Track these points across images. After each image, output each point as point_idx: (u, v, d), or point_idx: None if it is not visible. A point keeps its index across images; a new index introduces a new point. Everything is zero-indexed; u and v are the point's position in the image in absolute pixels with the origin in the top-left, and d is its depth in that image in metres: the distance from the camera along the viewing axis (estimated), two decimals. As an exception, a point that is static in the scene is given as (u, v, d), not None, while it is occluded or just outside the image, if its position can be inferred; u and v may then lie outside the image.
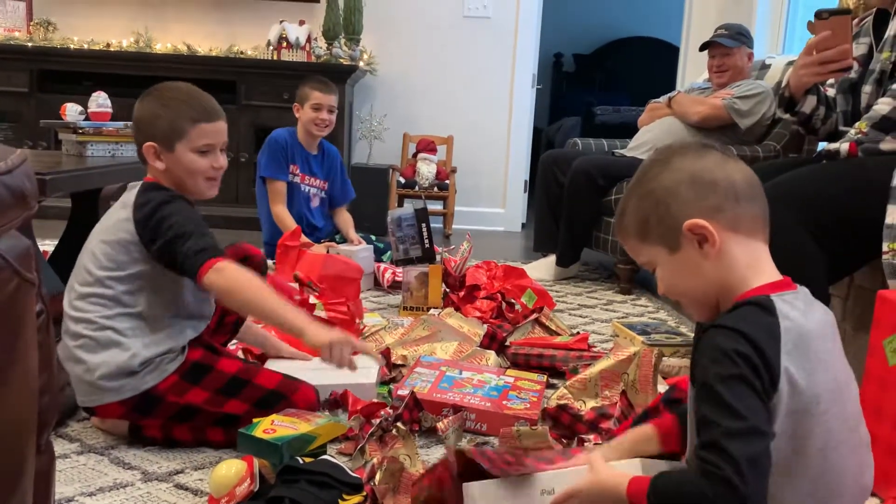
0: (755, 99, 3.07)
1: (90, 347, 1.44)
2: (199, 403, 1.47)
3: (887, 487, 1.38)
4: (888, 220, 1.58)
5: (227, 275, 1.40)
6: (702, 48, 3.29)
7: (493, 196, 4.80)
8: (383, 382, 1.80)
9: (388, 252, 3.07)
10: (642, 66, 7.70)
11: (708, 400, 0.86)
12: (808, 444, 0.88)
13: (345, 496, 1.13)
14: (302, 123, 3.13)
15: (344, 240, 3.15)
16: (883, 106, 1.69)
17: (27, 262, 0.77)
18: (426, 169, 4.36)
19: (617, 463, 0.99)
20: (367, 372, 1.75)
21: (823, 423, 0.89)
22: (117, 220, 1.49)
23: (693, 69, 4.48)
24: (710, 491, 0.82)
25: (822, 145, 2.30)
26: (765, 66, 3.35)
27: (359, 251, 2.91)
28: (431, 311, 2.42)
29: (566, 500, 0.97)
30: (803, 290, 0.97)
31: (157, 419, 1.48)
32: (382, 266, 2.96)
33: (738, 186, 0.95)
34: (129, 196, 1.52)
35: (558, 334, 2.22)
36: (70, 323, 1.47)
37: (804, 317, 0.93)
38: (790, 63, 3.17)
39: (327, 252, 2.71)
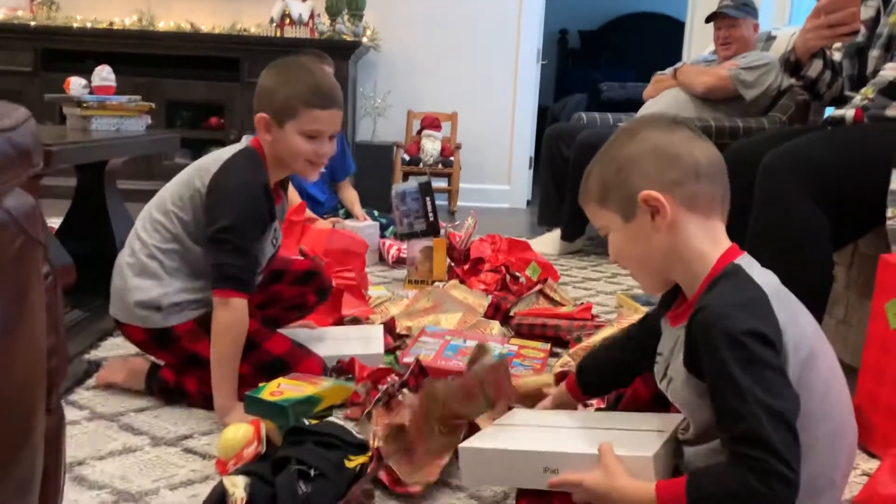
0: (761, 70, 3.05)
1: (135, 269, 1.52)
2: (206, 356, 1.50)
3: (887, 447, 1.39)
4: (892, 185, 1.58)
5: (226, 316, 1.44)
6: (708, 20, 3.26)
7: (498, 173, 4.79)
8: (388, 351, 1.82)
9: (392, 227, 3.08)
10: (648, 42, 7.63)
11: (730, 390, 0.85)
12: (813, 389, 0.89)
13: (350, 457, 1.15)
14: None
15: (349, 215, 3.15)
16: (890, 72, 1.68)
17: (33, 220, 0.78)
18: (431, 146, 4.35)
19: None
20: (374, 343, 1.78)
21: (819, 365, 0.91)
22: (206, 172, 1.51)
23: (699, 44, 4.44)
24: (762, 486, 0.80)
25: (828, 112, 2.29)
26: (770, 38, 3.32)
27: (364, 227, 2.92)
28: (436, 283, 2.43)
29: (570, 487, 0.95)
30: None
31: (171, 356, 1.55)
32: (388, 242, 2.98)
33: (700, 165, 0.96)
34: (229, 151, 1.55)
35: (562, 305, 2.23)
36: (133, 239, 1.55)
37: (766, 275, 0.96)
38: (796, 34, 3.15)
39: (333, 227, 2.72)
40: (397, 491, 1.21)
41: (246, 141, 1.59)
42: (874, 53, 1.79)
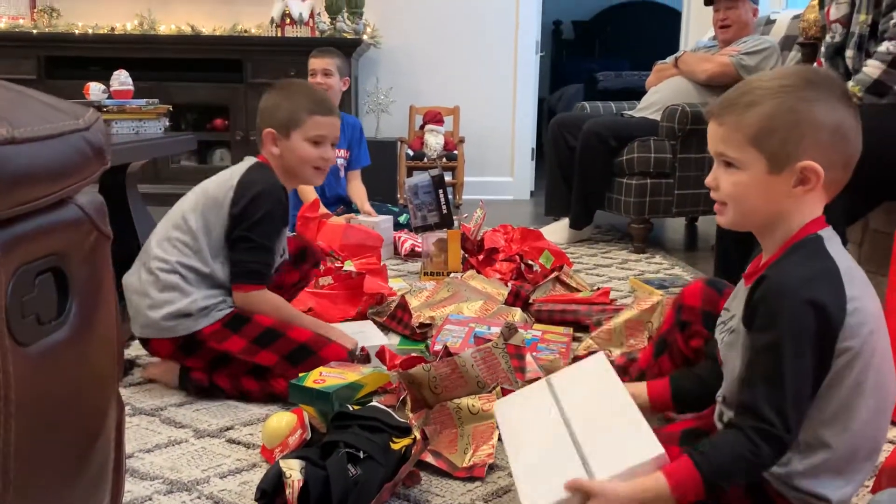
0: (762, 55, 3.09)
1: (157, 286, 1.56)
2: (235, 352, 1.58)
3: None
4: (903, 161, 1.62)
5: (253, 305, 1.61)
6: (707, 2, 3.30)
7: (501, 165, 4.83)
8: (420, 340, 1.87)
9: (405, 214, 3.10)
10: (642, 31, 7.68)
11: (774, 357, 0.91)
12: (870, 364, 0.94)
13: (395, 439, 1.18)
14: None
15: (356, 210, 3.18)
16: (873, 69, 1.72)
17: (102, 215, 0.82)
18: (434, 140, 4.38)
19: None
20: (370, 334, 1.86)
21: (877, 343, 0.96)
22: (227, 190, 1.61)
23: (696, 30, 4.48)
24: (763, 448, 0.90)
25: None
26: (770, 22, 3.36)
27: (380, 222, 2.94)
28: (452, 274, 2.47)
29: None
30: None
31: (199, 361, 1.60)
32: (402, 237, 3.01)
33: (854, 156, 0.97)
34: (240, 168, 1.65)
35: (579, 290, 2.27)
36: (150, 259, 1.60)
37: (842, 252, 0.99)
38: (795, 17, 3.18)
39: (348, 223, 2.75)
40: (459, 476, 1.26)
41: (251, 160, 1.69)
42: (849, 53, 1.83)
